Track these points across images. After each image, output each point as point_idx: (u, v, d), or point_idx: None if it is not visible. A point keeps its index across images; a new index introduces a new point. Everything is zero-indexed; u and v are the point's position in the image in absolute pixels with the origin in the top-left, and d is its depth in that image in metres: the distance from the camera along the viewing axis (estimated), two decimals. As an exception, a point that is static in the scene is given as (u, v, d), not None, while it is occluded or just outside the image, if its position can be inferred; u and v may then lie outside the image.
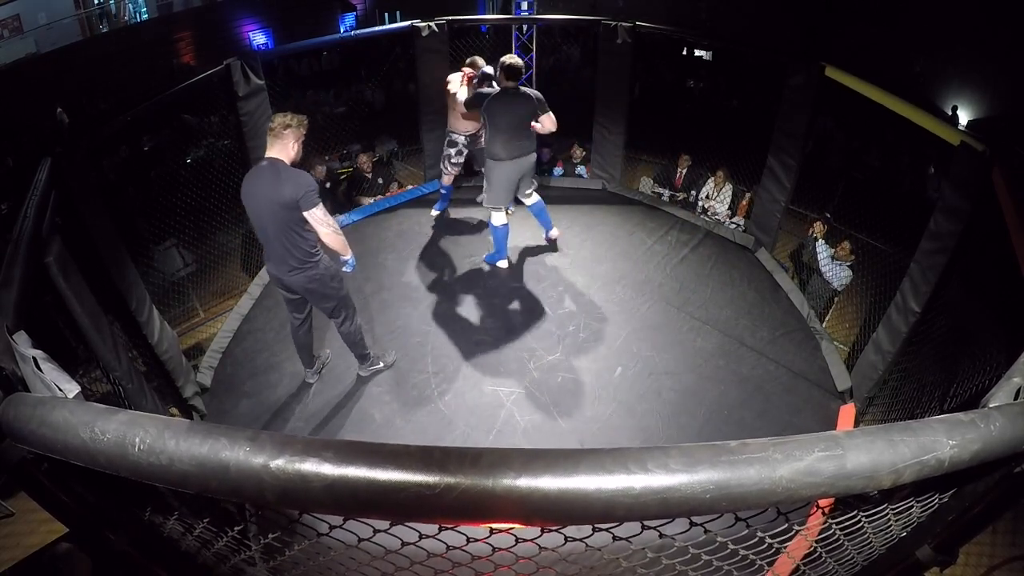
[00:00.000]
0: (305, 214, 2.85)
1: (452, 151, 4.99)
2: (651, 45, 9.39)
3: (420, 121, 5.62)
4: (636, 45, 5.21)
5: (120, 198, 5.72)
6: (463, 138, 4.92)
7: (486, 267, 4.67)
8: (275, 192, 2.80)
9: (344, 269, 3.22)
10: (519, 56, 5.62)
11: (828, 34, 10.17)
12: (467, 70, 4.69)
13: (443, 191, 5.33)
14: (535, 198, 4.58)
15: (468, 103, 4.19)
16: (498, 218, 4.38)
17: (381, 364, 3.72)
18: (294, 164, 2.90)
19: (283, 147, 2.86)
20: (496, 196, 4.22)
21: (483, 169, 4.39)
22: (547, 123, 3.99)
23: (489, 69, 4.47)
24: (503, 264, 4.64)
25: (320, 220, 2.90)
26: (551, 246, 4.92)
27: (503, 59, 3.97)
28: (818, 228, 4.92)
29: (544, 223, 4.79)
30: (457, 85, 4.65)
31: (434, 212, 5.43)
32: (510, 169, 4.09)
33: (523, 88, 3.98)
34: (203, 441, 0.75)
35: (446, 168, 5.08)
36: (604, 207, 5.59)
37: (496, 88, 4.05)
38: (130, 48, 11.28)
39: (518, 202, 4.59)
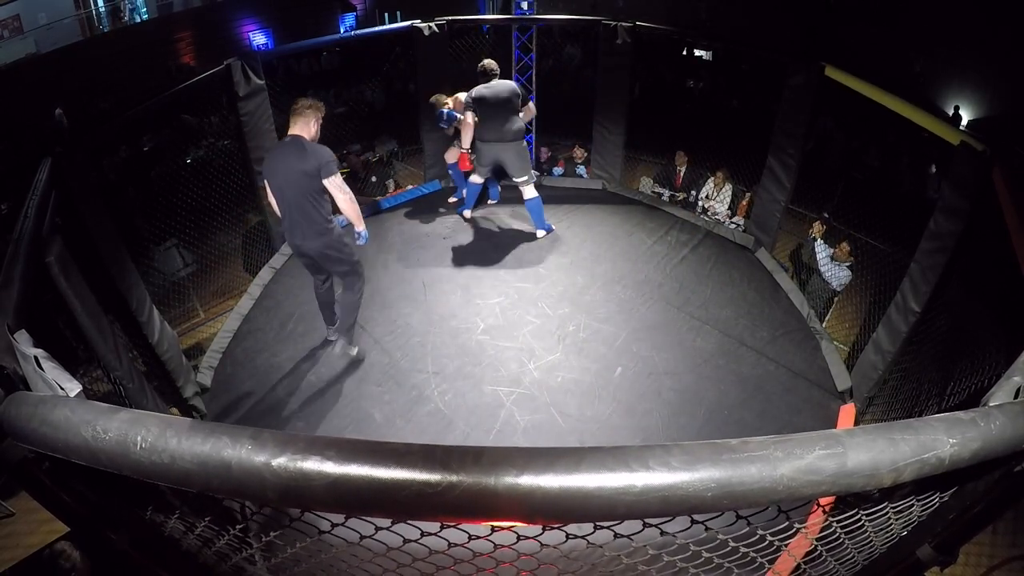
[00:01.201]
0: (325, 182, 3.13)
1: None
2: (651, 45, 9.40)
3: (420, 121, 5.63)
4: (636, 45, 5.22)
5: (120, 198, 5.72)
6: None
7: (487, 266, 4.67)
8: (299, 162, 3.09)
9: (357, 242, 3.46)
10: (520, 56, 5.65)
11: (828, 34, 10.18)
12: (449, 102, 5.01)
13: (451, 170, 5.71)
14: (531, 192, 4.85)
15: (465, 110, 4.62)
16: (473, 178, 5.03)
17: (354, 350, 3.80)
18: (313, 140, 3.19)
19: (305, 125, 3.17)
20: (477, 169, 4.90)
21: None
22: (528, 110, 4.60)
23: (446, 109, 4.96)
24: (467, 214, 5.27)
25: (338, 187, 3.18)
26: (551, 247, 4.93)
27: (481, 63, 4.59)
28: (817, 228, 4.91)
29: (535, 222, 5.02)
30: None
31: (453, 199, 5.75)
32: (487, 149, 4.69)
33: (499, 80, 4.54)
34: (205, 439, 0.75)
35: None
36: (604, 207, 5.59)
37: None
38: (130, 48, 11.28)
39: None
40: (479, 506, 0.70)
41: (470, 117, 4.62)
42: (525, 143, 4.77)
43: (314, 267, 3.55)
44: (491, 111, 4.52)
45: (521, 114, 4.63)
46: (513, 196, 5.18)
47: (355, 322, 3.73)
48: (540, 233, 5.04)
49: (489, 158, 4.76)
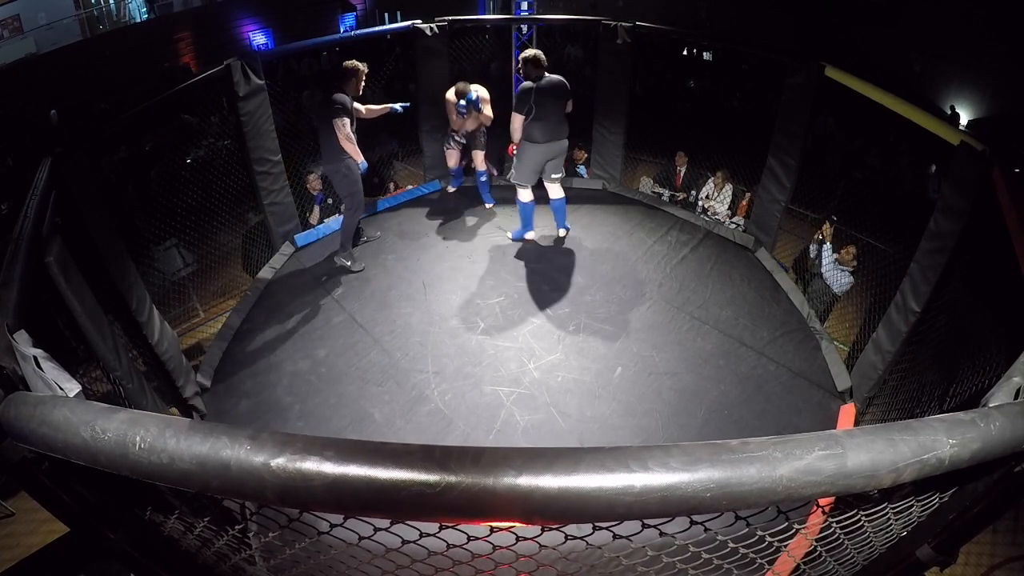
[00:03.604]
0: (332, 122, 4.01)
1: (455, 135, 5.32)
2: (651, 45, 9.40)
3: (420, 121, 5.63)
4: (636, 45, 5.21)
5: (120, 198, 5.72)
6: (460, 134, 5.27)
7: (487, 266, 4.67)
8: (324, 106, 4.09)
9: (360, 170, 4.28)
10: (520, 56, 5.64)
11: (828, 34, 10.17)
12: (451, 97, 4.90)
13: (452, 172, 5.68)
14: (559, 192, 4.73)
15: (519, 106, 4.22)
16: (525, 195, 4.66)
17: (349, 262, 4.61)
18: (354, 96, 4.17)
19: (345, 82, 4.12)
20: (522, 174, 4.50)
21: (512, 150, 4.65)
22: (570, 106, 4.37)
23: (474, 95, 4.74)
24: (530, 236, 4.92)
25: (337, 128, 4.04)
26: (551, 246, 4.93)
27: (527, 53, 4.26)
28: (826, 230, 4.87)
29: (558, 220, 4.94)
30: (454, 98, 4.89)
31: (451, 188, 5.81)
32: (544, 151, 4.38)
33: (554, 75, 4.25)
34: (204, 439, 0.75)
35: (449, 146, 5.40)
36: (604, 207, 5.59)
37: (529, 81, 4.22)
38: (130, 48, 11.27)
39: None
40: (478, 507, 0.70)
41: (518, 120, 4.22)
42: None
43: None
44: (549, 108, 4.19)
45: (569, 106, 4.36)
46: (512, 196, 5.16)
47: (349, 246, 4.60)
48: (562, 232, 5.00)
49: (541, 161, 4.40)
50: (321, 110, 4.13)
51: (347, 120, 4.06)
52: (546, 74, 4.20)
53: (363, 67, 4.13)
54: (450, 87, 4.95)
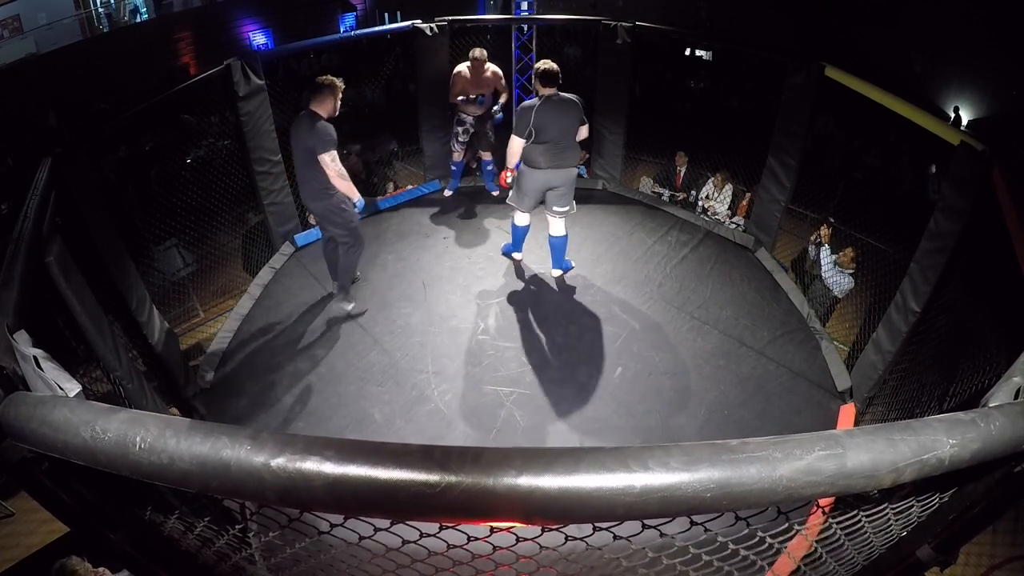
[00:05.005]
0: (318, 158, 3.47)
1: (460, 129, 5.31)
2: (651, 45, 9.40)
3: (420, 121, 5.63)
4: (636, 45, 5.22)
5: (120, 198, 5.72)
6: (471, 118, 5.23)
7: (487, 266, 4.67)
8: (305, 137, 3.49)
9: (356, 209, 3.81)
10: (519, 56, 5.63)
11: (828, 34, 10.17)
12: (464, 69, 4.98)
13: (453, 168, 5.64)
14: (560, 230, 4.25)
15: (518, 128, 3.77)
16: (520, 219, 4.39)
17: (350, 306, 4.15)
18: (330, 116, 3.57)
19: (320, 102, 3.53)
20: (520, 200, 4.14)
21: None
22: (583, 132, 3.94)
23: (484, 98, 4.93)
24: (517, 256, 4.71)
25: (327, 165, 3.51)
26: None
27: (539, 65, 3.80)
28: (824, 233, 4.87)
29: (554, 259, 4.49)
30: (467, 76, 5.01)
31: (448, 192, 5.74)
32: (545, 177, 3.92)
33: (567, 94, 3.79)
34: (204, 440, 0.75)
35: (455, 147, 5.42)
36: (604, 207, 5.59)
37: (534, 98, 3.80)
38: (130, 48, 11.28)
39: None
40: (478, 507, 0.70)
41: (517, 144, 3.79)
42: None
43: (321, 225, 3.98)
44: (554, 131, 3.74)
45: (583, 132, 3.93)
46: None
47: (350, 283, 4.14)
48: (556, 272, 4.52)
49: (542, 187, 3.98)
50: (301, 138, 3.51)
51: (335, 154, 3.54)
52: (558, 92, 3.75)
53: (340, 83, 3.62)
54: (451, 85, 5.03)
